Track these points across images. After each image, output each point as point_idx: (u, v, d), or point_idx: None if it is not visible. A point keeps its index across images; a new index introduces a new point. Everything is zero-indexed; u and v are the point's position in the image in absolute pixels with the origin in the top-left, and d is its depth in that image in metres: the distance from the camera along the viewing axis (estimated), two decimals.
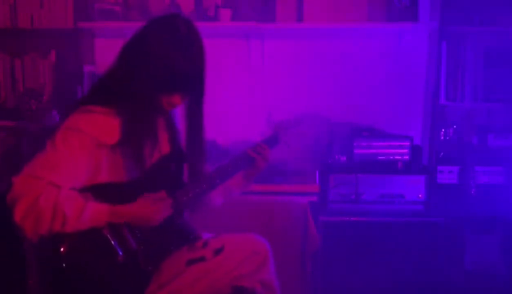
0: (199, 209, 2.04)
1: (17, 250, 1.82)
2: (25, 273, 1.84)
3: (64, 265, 1.67)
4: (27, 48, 3.20)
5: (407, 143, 2.98)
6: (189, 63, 1.74)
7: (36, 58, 3.19)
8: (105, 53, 3.33)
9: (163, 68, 1.72)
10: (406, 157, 2.97)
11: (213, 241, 1.93)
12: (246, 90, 3.35)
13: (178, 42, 1.74)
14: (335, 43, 3.32)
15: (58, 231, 1.64)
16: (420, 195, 2.93)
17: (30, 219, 1.62)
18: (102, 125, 1.73)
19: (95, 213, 1.69)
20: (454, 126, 3.12)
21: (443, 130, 3.11)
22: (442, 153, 3.10)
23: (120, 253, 1.74)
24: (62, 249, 1.68)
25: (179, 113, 1.94)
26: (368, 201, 2.92)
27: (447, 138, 3.11)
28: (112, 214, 1.72)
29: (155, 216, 1.78)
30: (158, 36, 1.75)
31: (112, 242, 1.74)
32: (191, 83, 1.79)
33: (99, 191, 1.74)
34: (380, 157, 2.99)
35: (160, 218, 1.79)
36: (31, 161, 1.69)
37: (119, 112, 1.75)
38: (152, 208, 1.77)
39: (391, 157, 2.98)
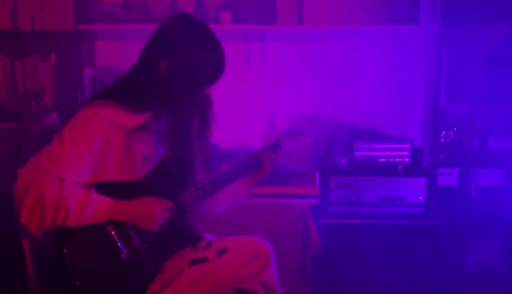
0: (203, 214, 2.06)
1: (17, 249, 1.82)
2: (25, 272, 1.84)
3: (67, 261, 1.68)
4: (28, 50, 3.19)
5: (408, 146, 2.98)
6: (220, 54, 1.81)
7: (37, 60, 3.19)
8: (105, 55, 3.33)
9: (199, 62, 1.78)
10: (407, 160, 2.97)
11: (217, 242, 1.94)
12: (246, 93, 3.35)
13: (206, 36, 1.80)
14: (336, 45, 3.32)
15: (60, 224, 1.65)
16: (420, 198, 2.93)
17: (36, 214, 1.63)
18: (119, 112, 1.75)
19: (98, 206, 1.70)
20: (455, 128, 3.12)
21: (443, 132, 3.11)
22: (442, 155, 3.10)
23: (124, 251, 1.75)
24: (66, 245, 1.69)
25: None
26: (368, 203, 2.92)
27: (448, 140, 3.11)
28: (114, 208, 1.73)
29: (155, 221, 1.78)
30: (186, 33, 1.79)
31: (116, 240, 1.75)
32: (219, 74, 1.85)
33: (103, 189, 1.74)
34: (380, 160, 2.99)
35: (159, 224, 1.80)
36: (37, 153, 1.70)
37: (142, 107, 1.78)
38: (154, 213, 1.78)
39: (392, 160, 2.98)
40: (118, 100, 1.77)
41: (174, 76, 1.77)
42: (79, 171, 1.71)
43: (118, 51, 3.29)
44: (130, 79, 1.85)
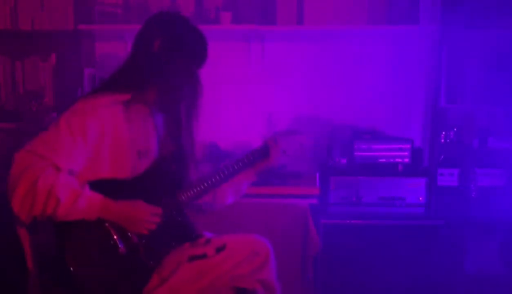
0: (210, 208, 2.08)
1: (17, 248, 1.83)
2: (25, 272, 1.85)
3: (67, 259, 1.70)
4: (28, 50, 3.20)
5: (408, 146, 2.98)
6: (203, 43, 1.91)
7: (37, 60, 3.19)
8: (105, 55, 3.33)
9: (185, 52, 1.87)
10: (407, 160, 2.98)
11: (216, 239, 1.95)
12: (246, 93, 3.35)
13: (189, 28, 1.90)
14: (336, 45, 3.31)
15: (51, 214, 1.67)
16: (420, 198, 2.93)
17: (27, 200, 1.65)
18: (117, 96, 1.83)
19: (89, 202, 1.71)
20: (455, 129, 3.12)
21: (443, 132, 3.11)
22: (442, 156, 3.10)
23: (121, 246, 1.76)
24: (66, 244, 1.71)
25: None
26: (368, 203, 2.92)
27: (448, 140, 3.11)
28: (104, 206, 1.74)
29: (142, 225, 1.79)
30: (173, 18, 1.91)
31: (114, 235, 1.77)
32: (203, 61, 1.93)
33: (101, 187, 1.75)
34: (380, 160, 2.99)
35: (147, 228, 1.81)
36: (33, 139, 1.72)
37: (140, 86, 1.87)
38: (141, 217, 1.79)
39: (392, 160, 2.99)
40: (116, 89, 1.83)
41: (167, 52, 1.84)
42: (74, 159, 1.72)
43: (118, 51, 3.29)
44: (126, 66, 1.92)
